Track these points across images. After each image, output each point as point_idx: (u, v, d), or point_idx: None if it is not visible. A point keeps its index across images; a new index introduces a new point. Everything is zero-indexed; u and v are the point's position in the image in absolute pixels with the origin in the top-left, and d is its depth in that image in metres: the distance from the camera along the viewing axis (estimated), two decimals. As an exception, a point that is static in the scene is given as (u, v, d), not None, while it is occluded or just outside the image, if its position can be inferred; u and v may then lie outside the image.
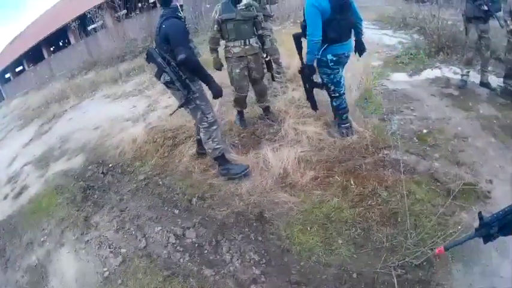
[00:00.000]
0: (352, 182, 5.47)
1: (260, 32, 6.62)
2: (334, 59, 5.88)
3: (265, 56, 6.81)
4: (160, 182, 6.59)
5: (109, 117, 10.14)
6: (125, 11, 21.30)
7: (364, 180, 5.47)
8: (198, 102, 5.57)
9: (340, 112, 6.42)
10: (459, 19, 9.13)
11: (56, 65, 26.47)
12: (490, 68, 8.28)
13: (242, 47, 6.52)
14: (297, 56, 6.25)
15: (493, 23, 7.62)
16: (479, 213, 2.73)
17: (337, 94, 6.26)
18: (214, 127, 5.81)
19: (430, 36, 10.53)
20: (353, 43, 6.14)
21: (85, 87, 15.66)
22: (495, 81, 8.14)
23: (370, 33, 13.07)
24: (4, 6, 64.00)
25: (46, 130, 11.87)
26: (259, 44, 6.70)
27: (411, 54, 10.13)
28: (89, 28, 23.71)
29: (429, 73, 9.04)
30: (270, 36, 6.73)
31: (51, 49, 31.20)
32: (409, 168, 5.51)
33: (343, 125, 6.48)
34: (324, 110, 7.12)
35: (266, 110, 7.49)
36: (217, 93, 5.48)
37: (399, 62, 9.85)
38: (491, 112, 7.09)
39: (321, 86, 6.28)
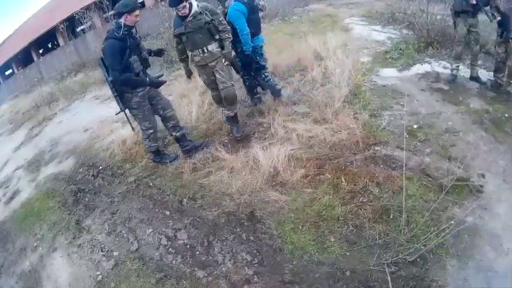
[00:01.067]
0: (343, 179, 5.45)
1: (217, 36, 6.44)
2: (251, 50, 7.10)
3: (223, 61, 6.61)
4: (151, 184, 6.55)
5: (99, 119, 10.08)
6: (113, 12, 21.21)
7: (355, 177, 5.47)
8: (135, 112, 6.36)
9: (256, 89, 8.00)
10: (448, 13, 9.11)
11: (45, 68, 26.26)
12: (479, 62, 8.29)
13: (201, 55, 6.51)
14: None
15: (481, 17, 7.64)
16: None
17: (247, 77, 7.62)
18: (151, 131, 6.56)
19: (419, 31, 10.52)
20: (263, 37, 7.58)
21: (74, 89, 15.54)
22: (485, 75, 8.15)
23: (359, 29, 13.10)
24: (4, 4, 63.44)
25: (36, 133, 11.79)
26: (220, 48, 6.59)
27: (400, 49, 10.10)
28: (78, 29, 23.57)
29: (419, 68, 9.02)
30: (230, 38, 6.53)
31: (40, 52, 31.06)
32: (400, 164, 5.46)
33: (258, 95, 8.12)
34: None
35: (232, 120, 7.16)
36: (156, 85, 6.36)
37: (388, 58, 9.82)
38: (482, 106, 7.10)
39: (263, 67, 7.59)
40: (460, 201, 5.00)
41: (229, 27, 6.50)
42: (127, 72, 5.86)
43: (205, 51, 6.44)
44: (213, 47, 6.46)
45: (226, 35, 6.45)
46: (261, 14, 8.02)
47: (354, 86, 8.04)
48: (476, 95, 7.53)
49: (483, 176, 5.45)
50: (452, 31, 8.82)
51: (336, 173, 5.62)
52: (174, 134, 6.80)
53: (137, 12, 5.77)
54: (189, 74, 7.14)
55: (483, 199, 5.00)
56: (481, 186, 5.27)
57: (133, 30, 5.98)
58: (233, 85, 6.80)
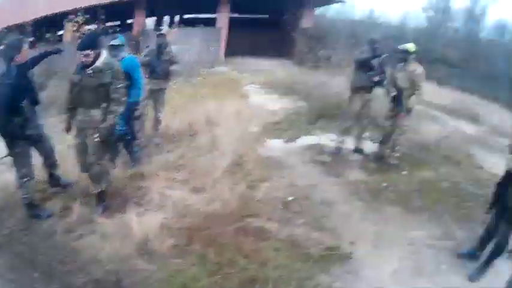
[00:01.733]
0: (211, 251, 5.50)
1: (105, 104, 5.62)
2: None
3: (96, 135, 5.67)
4: (24, 240, 6.18)
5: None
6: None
7: (223, 249, 5.53)
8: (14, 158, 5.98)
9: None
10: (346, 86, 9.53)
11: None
12: (367, 134, 8.74)
13: (82, 116, 5.80)
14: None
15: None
16: None
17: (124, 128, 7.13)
18: (24, 179, 6.07)
19: (314, 102, 10.83)
20: None
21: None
22: (370, 147, 8.57)
23: (256, 97, 13.57)
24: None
25: None
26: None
27: (291, 120, 10.51)
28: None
29: (306, 140, 9.38)
30: (117, 113, 5.65)
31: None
32: (270, 236, 5.64)
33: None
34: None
35: (97, 197, 6.42)
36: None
37: (278, 128, 10.14)
38: (361, 177, 7.51)
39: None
40: (327, 268, 5.21)
41: (124, 98, 5.74)
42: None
43: (87, 114, 5.70)
44: (95, 113, 5.66)
45: (115, 107, 5.61)
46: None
47: (239, 155, 8.15)
48: (357, 167, 7.97)
49: (353, 243, 5.72)
50: (345, 105, 9.05)
51: (205, 244, 5.65)
52: (50, 170, 6.74)
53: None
54: (68, 129, 6.25)
55: (350, 265, 5.30)
56: (351, 253, 5.53)
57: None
58: (99, 164, 6.01)
